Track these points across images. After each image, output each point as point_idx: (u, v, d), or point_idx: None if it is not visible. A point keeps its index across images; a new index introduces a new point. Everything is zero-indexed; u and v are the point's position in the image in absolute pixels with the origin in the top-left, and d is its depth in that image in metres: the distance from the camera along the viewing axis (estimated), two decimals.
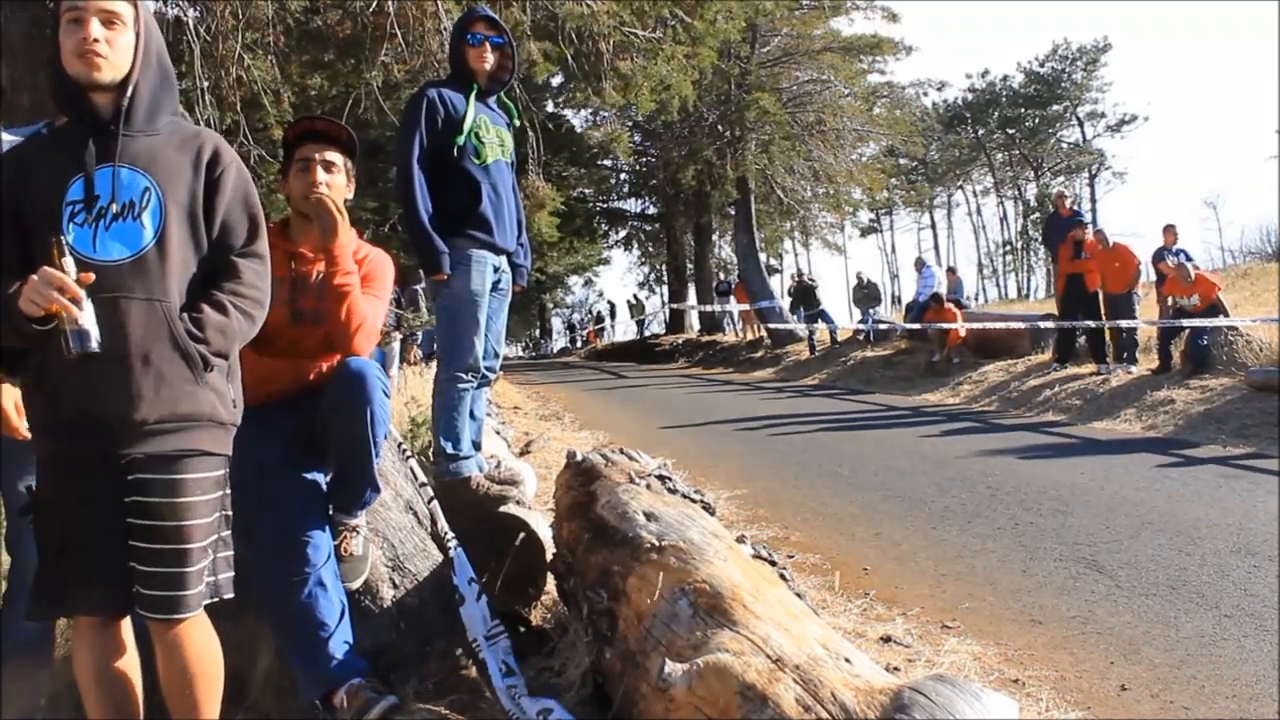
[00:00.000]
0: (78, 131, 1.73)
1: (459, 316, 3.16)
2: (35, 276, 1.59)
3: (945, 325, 12.11)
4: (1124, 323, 9.73)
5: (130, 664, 1.79)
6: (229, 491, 1.84)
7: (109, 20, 1.70)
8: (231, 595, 1.82)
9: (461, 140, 3.14)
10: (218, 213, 1.81)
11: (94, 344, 1.60)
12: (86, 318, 1.59)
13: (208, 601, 1.77)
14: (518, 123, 3.43)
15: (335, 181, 2.43)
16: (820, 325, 16.65)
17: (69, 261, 1.62)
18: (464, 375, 3.19)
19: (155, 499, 1.70)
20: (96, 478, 1.69)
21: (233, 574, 1.83)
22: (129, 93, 1.74)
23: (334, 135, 2.48)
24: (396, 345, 10.18)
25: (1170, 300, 9.35)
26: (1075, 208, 12.28)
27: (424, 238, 3.08)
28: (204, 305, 1.76)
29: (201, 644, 1.80)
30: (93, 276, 1.62)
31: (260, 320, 1.87)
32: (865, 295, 17.03)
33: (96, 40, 1.68)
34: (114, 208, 1.70)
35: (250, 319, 1.83)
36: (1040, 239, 19.37)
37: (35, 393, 1.73)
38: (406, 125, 3.15)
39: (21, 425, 1.94)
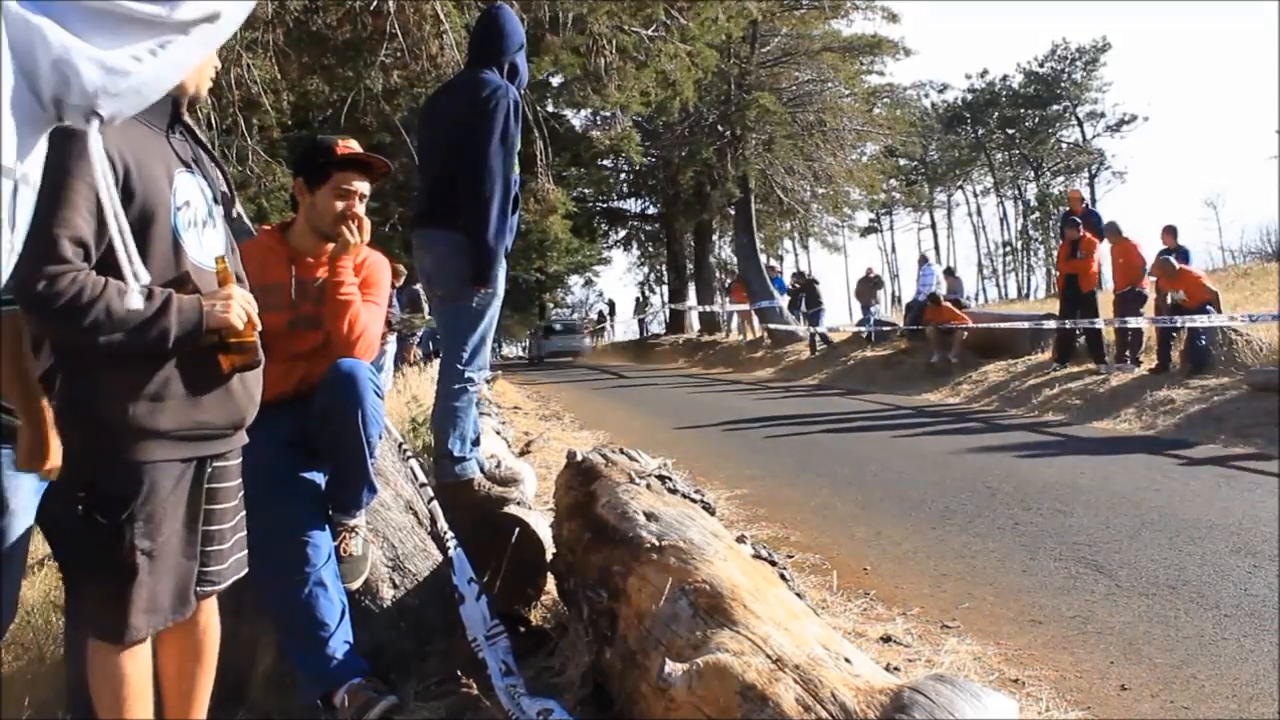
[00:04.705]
0: (149, 129, 1.63)
1: (482, 319, 3.15)
2: (240, 294, 1.65)
3: (949, 326, 12.11)
4: (1125, 322, 9.73)
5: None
6: None
7: None
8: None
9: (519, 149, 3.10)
10: None
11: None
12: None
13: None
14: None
15: (361, 211, 2.48)
16: (821, 325, 16.71)
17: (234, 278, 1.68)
18: (477, 377, 3.21)
19: (233, 483, 1.82)
20: (191, 482, 1.70)
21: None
22: (187, 97, 1.70)
23: (378, 171, 2.49)
24: (391, 348, 10.15)
25: (1169, 296, 9.41)
26: (1088, 207, 12.35)
27: (494, 257, 3.01)
28: None
29: (216, 629, 1.86)
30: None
31: None
32: (870, 288, 17.19)
33: None
34: (201, 215, 1.70)
35: None
36: (1038, 238, 19.50)
37: (154, 401, 1.61)
38: (507, 130, 2.97)
39: (55, 457, 1.69)
